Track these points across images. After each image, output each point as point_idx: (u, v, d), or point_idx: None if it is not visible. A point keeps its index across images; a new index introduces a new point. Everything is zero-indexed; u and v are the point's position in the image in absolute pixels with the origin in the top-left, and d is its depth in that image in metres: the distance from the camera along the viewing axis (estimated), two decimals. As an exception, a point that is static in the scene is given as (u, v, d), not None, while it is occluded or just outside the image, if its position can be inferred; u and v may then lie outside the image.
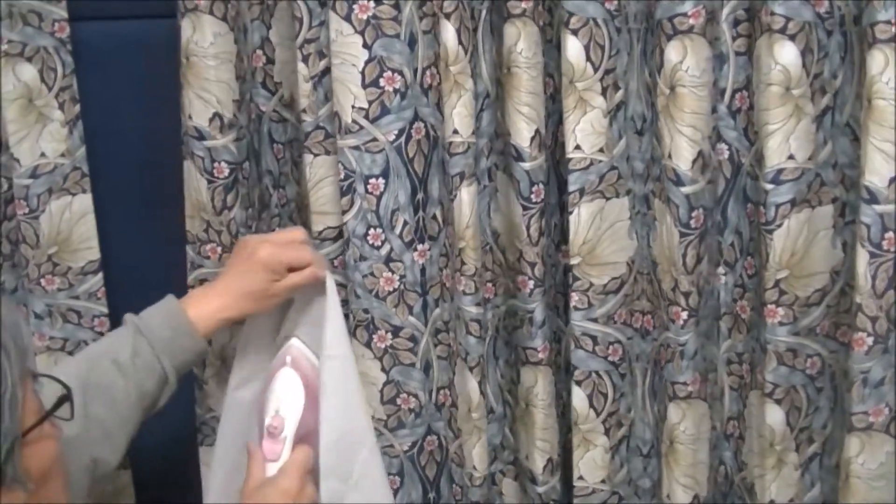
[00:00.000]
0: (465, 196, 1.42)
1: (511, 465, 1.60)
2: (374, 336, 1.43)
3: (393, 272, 1.40)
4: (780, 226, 1.33)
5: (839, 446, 1.38)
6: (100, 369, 1.11)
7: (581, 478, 1.52)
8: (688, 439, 1.43)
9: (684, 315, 1.39)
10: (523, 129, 1.40)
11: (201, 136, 1.48)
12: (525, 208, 1.43)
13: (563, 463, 1.56)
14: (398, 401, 1.44)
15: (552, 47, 1.42)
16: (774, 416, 1.40)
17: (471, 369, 1.48)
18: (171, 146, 1.52)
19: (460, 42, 1.36)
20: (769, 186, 1.32)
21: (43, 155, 1.52)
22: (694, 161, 1.33)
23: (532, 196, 1.42)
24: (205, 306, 1.39)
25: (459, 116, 1.39)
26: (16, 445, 0.97)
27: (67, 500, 1.09)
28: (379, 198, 1.38)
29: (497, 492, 1.60)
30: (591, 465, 1.51)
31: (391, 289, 1.41)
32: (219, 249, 1.54)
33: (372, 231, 1.39)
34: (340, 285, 1.41)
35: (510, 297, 1.52)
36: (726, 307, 1.45)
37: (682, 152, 1.33)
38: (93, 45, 1.54)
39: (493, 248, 1.51)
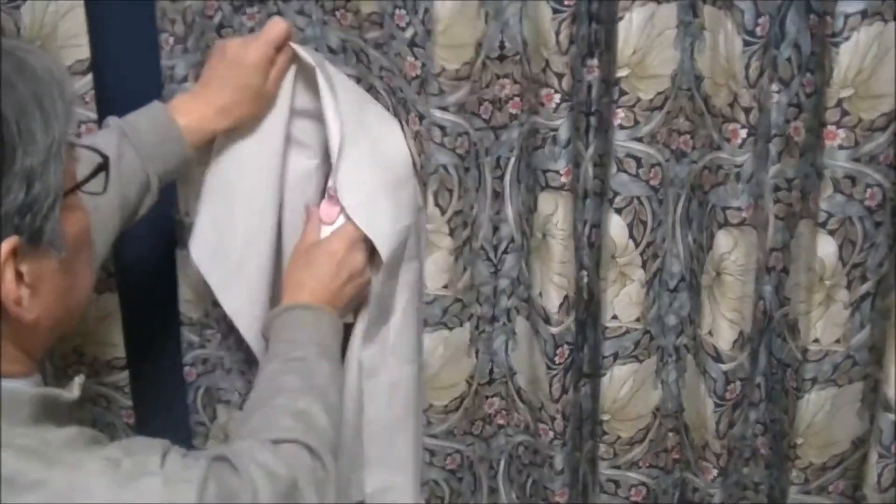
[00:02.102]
0: None
1: (525, 301, 1.48)
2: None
3: (416, 58, 1.36)
4: (847, 39, 1.21)
5: (894, 287, 1.30)
6: None
7: (615, 317, 1.42)
8: (738, 270, 1.34)
9: (743, 133, 1.27)
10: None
11: None
12: (556, 11, 1.28)
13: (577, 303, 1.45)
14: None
15: None
16: (826, 248, 1.31)
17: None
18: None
19: None
20: (839, -7, 1.19)
21: (22, -63, 1.37)
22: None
23: (564, -2, 1.28)
24: (194, 116, 1.36)
25: None
26: (56, 204, 0.96)
27: (92, 278, 1.10)
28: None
29: (510, 330, 1.51)
30: (626, 302, 1.42)
31: (415, 74, 1.37)
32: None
33: (398, 12, 1.35)
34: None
35: (533, 113, 1.38)
36: (777, 128, 1.34)
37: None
38: None
39: (523, 58, 1.37)
